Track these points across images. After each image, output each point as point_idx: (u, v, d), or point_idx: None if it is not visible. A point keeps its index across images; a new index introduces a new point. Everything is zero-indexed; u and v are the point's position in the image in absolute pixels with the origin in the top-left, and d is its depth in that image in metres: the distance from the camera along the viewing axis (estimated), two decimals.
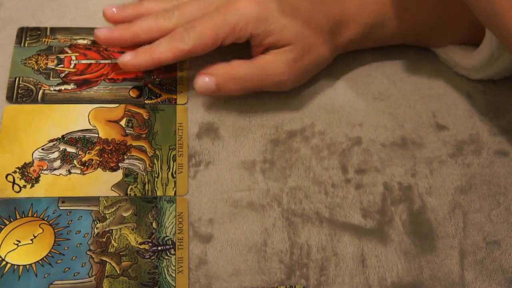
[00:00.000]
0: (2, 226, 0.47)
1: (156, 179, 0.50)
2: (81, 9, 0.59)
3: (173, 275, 0.46)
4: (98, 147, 0.51)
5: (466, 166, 0.53)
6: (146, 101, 0.54)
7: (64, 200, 0.48)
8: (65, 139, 0.51)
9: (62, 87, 0.54)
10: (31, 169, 0.49)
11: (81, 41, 0.57)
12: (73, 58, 0.56)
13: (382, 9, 0.54)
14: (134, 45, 0.53)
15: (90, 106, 0.53)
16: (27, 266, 0.45)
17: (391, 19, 0.55)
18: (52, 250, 0.46)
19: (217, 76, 0.51)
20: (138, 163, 0.51)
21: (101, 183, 0.49)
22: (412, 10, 0.55)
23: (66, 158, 0.50)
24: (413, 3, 0.55)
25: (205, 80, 0.51)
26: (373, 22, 0.54)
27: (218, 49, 0.52)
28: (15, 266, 0.45)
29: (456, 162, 0.53)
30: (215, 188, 0.50)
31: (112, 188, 0.49)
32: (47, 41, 0.57)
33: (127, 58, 0.52)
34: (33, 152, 0.50)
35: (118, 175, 0.50)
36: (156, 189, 0.49)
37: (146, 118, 0.53)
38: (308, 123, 0.54)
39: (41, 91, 0.53)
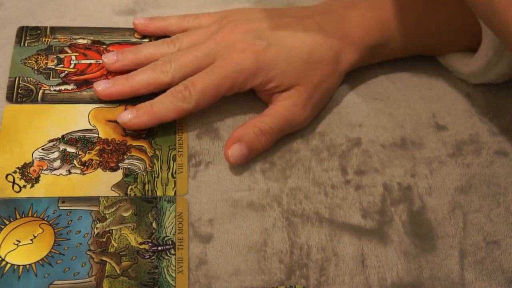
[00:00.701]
0: (2, 226, 0.47)
1: (156, 179, 0.50)
2: (81, 9, 0.59)
3: (173, 275, 0.46)
4: (98, 147, 0.51)
5: (466, 166, 0.53)
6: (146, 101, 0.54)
7: (64, 200, 0.48)
8: (65, 139, 0.51)
9: (62, 87, 0.54)
10: (31, 169, 0.49)
11: (81, 41, 0.57)
12: (73, 58, 0.56)
13: (386, 29, 0.54)
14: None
15: (90, 106, 0.53)
16: (27, 266, 0.45)
17: (396, 37, 0.55)
18: (52, 250, 0.46)
19: (246, 140, 0.50)
20: (138, 163, 0.51)
21: (101, 183, 0.49)
22: (416, 26, 0.55)
23: (66, 158, 0.50)
24: (417, 19, 0.55)
25: (236, 148, 0.50)
26: (378, 43, 0.54)
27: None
28: (15, 266, 0.45)
29: (456, 162, 0.53)
30: (215, 188, 0.50)
31: (112, 188, 0.49)
32: (47, 41, 0.57)
33: (128, 118, 0.51)
34: (33, 152, 0.50)
35: (118, 175, 0.50)
36: (156, 189, 0.49)
37: None
38: (308, 124, 0.54)
39: (41, 91, 0.53)
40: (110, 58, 0.54)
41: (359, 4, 0.55)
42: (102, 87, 0.52)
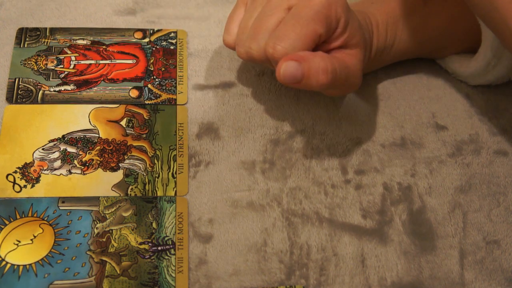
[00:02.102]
0: (2, 226, 0.47)
1: (156, 179, 0.50)
2: (81, 9, 0.59)
3: (173, 275, 0.46)
4: (98, 147, 0.51)
5: (465, 166, 0.53)
6: (146, 101, 0.54)
7: (64, 200, 0.48)
8: (66, 139, 0.51)
9: (62, 88, 0.54)
10: (32, 169, 0.49)
11: (80, 42, 0.57)
12: (73, 58, 0.56)
13: (392, 32, 0.54)
14: None
15: (90, 106, 0.53)
16: (27, 266, 0.45)
17: (399, 41, 0.55)
18: (52, 250, 0.46)
19: (306, 66, 0.45)
20: (139, 163, 0.51)
21: (102, 183, 0.49)
22: (417, 30, 0.55)
23: (66, 158, 0.50)
24: (418, 22, 0.55)
25: (292, 65, 0.44)
26: (383, 46, 0.54)
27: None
28: (15, 266, 0.45)
29: (456, 162, 0.53)
30: (215, 188, 0.50)
31: (113, 188, 0.49)
32: (47, 42, 0.57)
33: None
34: (34, 152, 0.50)
35: (118, 175, 0.50)
36: (157, 189, 0.49)
37: (147, 118, 0.53)
38: (308, 124, 0.54)
39: (40, 92, 0.53)
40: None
41: (370, 8, 0.55)
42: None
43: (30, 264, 0.45)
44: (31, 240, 0.46)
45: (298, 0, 0.47)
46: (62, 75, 0.55)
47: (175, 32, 0.59)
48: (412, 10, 0.55)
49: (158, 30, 0.59)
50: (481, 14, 0.46)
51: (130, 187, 0.49)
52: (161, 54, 0.57)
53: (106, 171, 0.50)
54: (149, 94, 0.54)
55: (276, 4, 0.48)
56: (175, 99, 0.54)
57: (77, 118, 0.52)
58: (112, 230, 0.47)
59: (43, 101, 0.53)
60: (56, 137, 0.51)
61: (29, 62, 0.55)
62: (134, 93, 0.54)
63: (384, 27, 0.54)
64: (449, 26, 0.55)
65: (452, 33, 0.56)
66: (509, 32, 0.42)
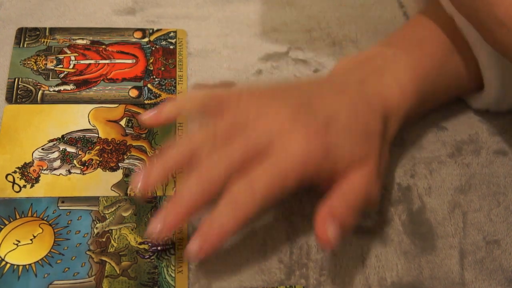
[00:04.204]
0: (2, 226, 0.47)
1: None
2: (80, 9, 0.59)
3: (173, 275, 0.46)
4: (98, 147, 0.51)
5: (465, 166, 0.53)
6: (146, 101, 0.54)
7: (64, 200, 0.48)
8: (65, 139, 0.51)
9: (62, 88, 0.54)
10: (31, 169, 0.49)
11: (80, 41, 0.57)
12: (72, 58, 0.56)
13: (419, 90, 0.49)
14: None
15: (90, 106, 0.53)
16: (27, 266, 0.45)
17: (427, 99, 0.51)
18: (52, 250, 0.46)
19: (339, 217, 0.42)
20: (138, 163, 0.51)
21: (101, 183, 0.49)
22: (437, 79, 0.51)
23: (66, 158, 0.50)
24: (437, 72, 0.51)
25: (329, 227, 0.41)
26: (412, 107, 0.49)
27: None
28: (15, 266, 0.45)
29: (456, 162, 0.53)
30: None
31: (112, 188, 0.49)
32: (46, 42, 0.57)
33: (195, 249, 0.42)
34: (33, 152, 0.50)
35: (118, 175, 0.50)
36: (156, 189, 0.49)
37: None
38: None
39: (40, 92, 0.53)
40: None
41: (395, 66, 0.49)
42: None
43: (29, 264, 0.45)
44: (31, 240, 0.46)
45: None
46: (62, 75, 0.55)
47: (175, 32, 0.59)
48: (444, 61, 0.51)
49: (158, 30, 0.59)
50: (469, 12, 0.45)
51: (130, 187, 0.49)
52: (160, 54, 0.57)
53: (106, 171, 0.50)
54: (149, 94, 0.54)
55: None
56: None
57: (76, 118, 0.52)
58: (111, 230, 0.47)
59: (43, 101, 0.53)
60: (56, 137, 0.51)
61: (28, 62, 0.55)
62: (133, 93, 0.54)
63: (412, 93, 0.49)
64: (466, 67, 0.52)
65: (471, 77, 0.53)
66: (496, 21, 0.42)
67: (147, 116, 0.46)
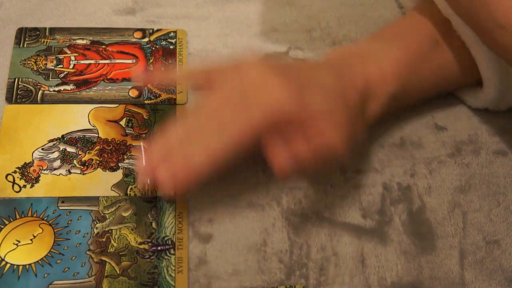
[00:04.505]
0: (2, 226, 0.47)
1: None
2: (80, 9, 0.59)
3: (173, 275, 0.46)
4: (98, 147, 0.51)
5: (465, 166, 0.53)
6: (146, 101, 0.54)
7: (64, 200, 0.48)
8: (65, 139, 0.51)
9: (62, 88, 0.54)
10: (31, 169, 0.49)
11: (80, 41, 0.57)
12: (72, 58, 0.56)
13: (404, 77, 0.51)
14: None
15: (90, 106, 0.53)
16: (27, 266, 0.45)
17: (412, 87, 0.52)
18: (52, 250, 0.46)
19: (295, 149, 0.45)
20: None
21: (101, 183, 0.49)
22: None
23: (66, 158, 0.50)
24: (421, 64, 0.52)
25: (283, 154, 0.45)
26: (394, 92, 0.50)
27: None
28: (15, 266, 0.45)
29: (455, 162, 0.53)
30: (215, 188, 0.50)
31: (112, 188, 0.49)
32: (46, 42, 0.57)
33: None
34: (33, 152, 0.50)
35: (118, 175, 0.50)
36: (156, 189, 0.49)
37: (146, 118, 0.53)
38: None
39: (40, 92, 0.53)
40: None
41: (376, 56, 0.51)
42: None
43: (29, 264, 0.45)
44: (31, 240, 0.46)
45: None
46: (62, 75, 0.55)
47: (175, 32, 0.59)
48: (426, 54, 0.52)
49: (158, 30, 0.59)
50: (466, 13, 0.45)
51: (130, 187, 0.49)
52: (160, 54, 0.57)
53: (106, 171, 0.50)
54: (149, 94, 0.54)
55: None
56: (175, 99, 0.54)
57: (76, 118, 0.52)
58: (111, 230, 0.47)
59: (43, 101, 0.53)
60: (56, 137, 0.51)
61: (28, 62, 0.55)
62: (133, 93, 0.54)
63: (392, 76, 0.50)
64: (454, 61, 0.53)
65: (458, 68, 0.53)
66: (495, 23, 0.42)
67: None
